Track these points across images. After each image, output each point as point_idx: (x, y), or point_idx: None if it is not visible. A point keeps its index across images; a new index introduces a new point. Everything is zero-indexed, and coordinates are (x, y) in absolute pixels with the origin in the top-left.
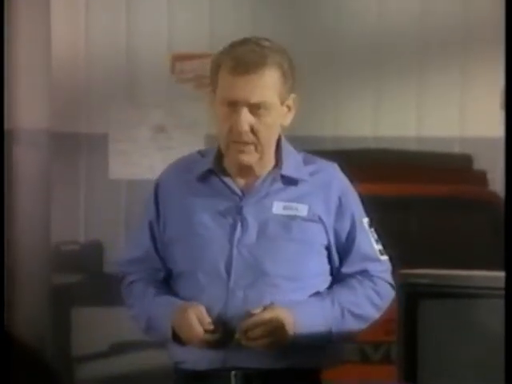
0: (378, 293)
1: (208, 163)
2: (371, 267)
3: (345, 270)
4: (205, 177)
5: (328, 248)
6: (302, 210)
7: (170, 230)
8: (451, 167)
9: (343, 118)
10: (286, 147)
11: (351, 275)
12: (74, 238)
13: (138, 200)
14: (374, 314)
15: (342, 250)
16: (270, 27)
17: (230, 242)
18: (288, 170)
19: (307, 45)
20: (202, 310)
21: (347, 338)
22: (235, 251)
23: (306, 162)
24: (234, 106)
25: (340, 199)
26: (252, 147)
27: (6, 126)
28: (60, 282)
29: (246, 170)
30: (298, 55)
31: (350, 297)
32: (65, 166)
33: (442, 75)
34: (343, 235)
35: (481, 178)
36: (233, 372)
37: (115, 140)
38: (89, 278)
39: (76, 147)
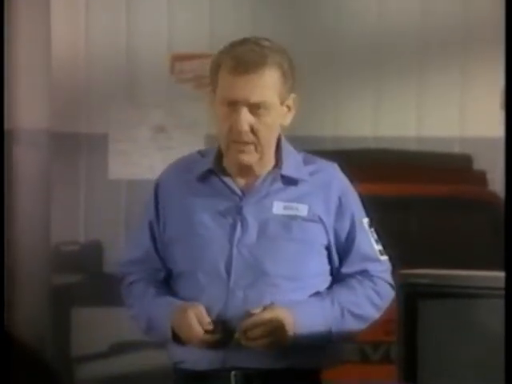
0: (377, 293)
1: (208, 163)
2: (371, 267)
3: (345, 270)
4: (205, 177)
5: (328, 248)
6: (302, 209)
7: (170, 230)
8: (451, 167)
9: (343, 118)
10: (286, 147)
11: (351, 275)
12: (73, 238)
13: (137, 200)
14: (374, 314)
15: (341, 250)
16: (269, 27)
17: (230, 241)
18: (288, 169)
19: (307, 45)
20: (202, 310)
21: (347, 337)
22: (235, 251)
23: (306, 162)
24: (233, 105)
25: (340, 199)
26: (252, 147)
27: (5, 126)
28: (60, 282)
29: (246, 170)
30: (298, 55)
31: (350, 297)
32: (65, 165)
33: (442, 75)
34: (343, 235)
35: (481, 178)
36: (233, 372)
37: (115, 140)
38: (89, 278)
39: (76, 147)
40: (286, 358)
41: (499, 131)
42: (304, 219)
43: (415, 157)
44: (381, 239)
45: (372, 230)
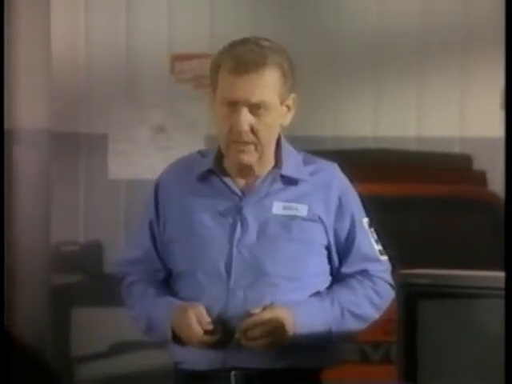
0: (377, 293)
1: (208, 163)
2: (371, 267)
3: (345, 269)
4: (205, 177)
5: (328, 248)
6: (302, 210)
7: (170, 230)
8: (451, 167)
9: (343, 118)
10: (286, 147)
11: (351, 275)
12: (73, 238)
13: (137, 200)
14: (374, 314)
15: (341, 250)
16: (269, 27)
17: (230, 241)
18: (288, 170)
19: (307, 45)
20: (202, 310)
21: (347, 337)
22: (235, 251)
23: (305, 162)
24: (233, 105)
25: (340, 199)
26: (252, 147)
27: (5, 126)
28: (60, 282)
29: (246, 170)
30: (298, 55)
31: (350, 297)
32: (65, 165)
33: (442, 75)
34: (343, 235)
35: (480, 178)
36: (233, 372)
37: (115, 140)
38: (88, 278)
39: (76, 147)
40: (286, 357)
41: (499, 131)
42: (304, 219)
43: (415, 157)
44: (381, 239)
45: (372, 229)
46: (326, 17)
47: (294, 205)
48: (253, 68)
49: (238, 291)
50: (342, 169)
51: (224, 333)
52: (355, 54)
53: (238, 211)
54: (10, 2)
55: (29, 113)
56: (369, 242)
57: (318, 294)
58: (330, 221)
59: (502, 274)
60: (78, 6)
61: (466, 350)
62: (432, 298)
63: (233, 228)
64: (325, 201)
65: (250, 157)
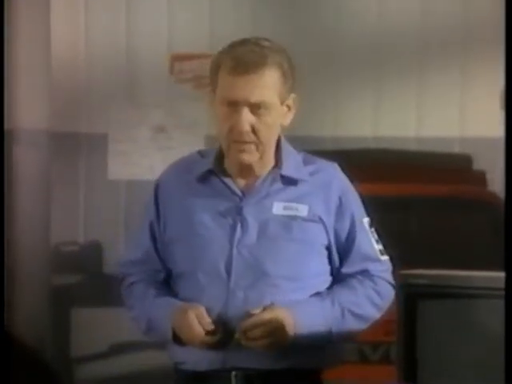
0: (378, 293)
1: (208, 164)
2: (372, 267)
3: (345, 270)
4: (205, 177)
5: (328, 248)
6: (302, 210)
7: (171, 231)
8: (451, 167)
9: (343, 118)
10: (286, 147)
11: (351, 275)
12: (73, 238)
13: (137, 200)
14: (375, 314)
15: (342, 250)
16: (269, 27)
17: (230, 242)
18: (288, 170)
19: (307, 45)
20: (202, 310)
21: (347, 338)
22: (235, 251)
23: (305, 162)
24: (234, 106)
25: (340, 199)
26: (253, 146)
27: (6, 126)
28: (59, 282)
29: (246, 170)
30: (298, 55)
31: (351, 297)
32: (64, 166)
33: (442, 75)
34: (343, 235)
35: (480, 178)
36: (233, 372)
37: (115, 140)
38: (88, 279)
39: (76, 147)
40: (287, 358)
41: (499, 131)
42: (304, 219)
43: (415, 157)
44: (380, 239)
45: (372, 229)
46: (326, 17)
47: (294, 205)
48: (253, 68)
49: (238, 291)
50: (342, 169)
51: (224, 333)
52: (355, 53)
53: (239, 211)
54: (10, 2)
55: (29, 113)
56: (369, 242)
57: (318, 294)
58: (330, 221)
59: (501, 275)
60: (78, 6)
61: (466, 350)
62: (432, 298)
63: (233, 228)
64: (325, 201)
65: (250, 156)
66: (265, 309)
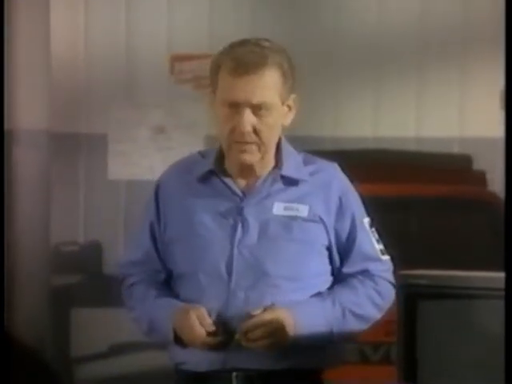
0: (379, 292)
1: (209, 164)
2: (372, 267)
3: (346, 270)
4: (205, 178)
5: (329, 248)
6: (303, 210)
7: (171, 231)
8: (451, 167)
9: (343, 118)
10: (286, 148)
11: (352, 275)
12: (73, 238)
13: (137, 201)
14: (376, 314)
15: (342, 250)
16: (269, 27)
17: (231, 242)
18: (288, 170)
19: (307, 45)
20: (204, 311)
21: (348, 338)
22: (236, 252)
23: (306, 163)
24: (235, 107)
25: (340, 199)
26: (254, 147)
27: (5, 126)
28: (59, 282)
29: (247, 171)
30: (298, 55)
31: (351, 297)
32: (64, 166)
33: (442, 75)
34: (344, 235)
35: (480, 178)
36: (234, 373)
37: (115, 140)
38: (88, 279)
39: (75, 148)
40: (287, 358)
41: (499, 131)
42: (304, 219)
43: (415, 157)
44: (381, 240)
45: (373, 229)
46: (326, 17)
47: (294, 205)
48: (253, 69)
49: (238, 292)
50: (342, 169)
51: (225, 334)
52: (355, 54)
53: (239, 212)
54: (10, 2)
55: (29, 113)
56: (370, 242)
57: (319, 294)
58: (330, 221)
59: (501, 275)
60: (77, 6)
61: (466, 350)
62: (432, 298)
63: (233, 229)
64: (325, 201)
65: (252, 157)
66: (265, 309)
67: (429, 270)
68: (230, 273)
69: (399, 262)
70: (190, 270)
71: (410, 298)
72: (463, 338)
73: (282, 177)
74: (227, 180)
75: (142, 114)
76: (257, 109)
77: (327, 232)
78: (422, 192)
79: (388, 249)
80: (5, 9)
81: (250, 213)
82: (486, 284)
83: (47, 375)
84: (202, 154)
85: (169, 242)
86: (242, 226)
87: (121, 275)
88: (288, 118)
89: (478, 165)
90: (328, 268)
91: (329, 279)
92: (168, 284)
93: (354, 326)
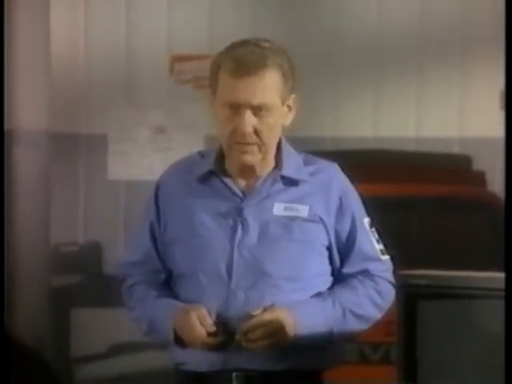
0: (379, 292)
1: (209, 164)
2: (372, 267)
3: (346, 270)
4: (205, 178)
5: (329, 248)
6: (303, 210)
7: (171, 231)
8: (450, 168)
9: (343, 118)
10: (287, 148)
11: (352, 275)
12: (73, 238)
13: (137, 201)
14: (376, 314)
15: (342, 250)
16: (269, 27)
17: (231, 243)
18: (288, 170)
19: (307, 45)
20: (204, 312)
21: (349, 338)
22: (236, 252)
23: (306, 163)
24: (236, 108)
25: (340, 199)
26: (255, 147)
27: (5, 127)
28: (59, 282)
29: (247, 171)
30: (298, 55)
31: (352, 297)
32: (64, 166)
33: (442, 75)
34: (344, 235)
35: (480, 178)
36: (234, 373)
37: (114, 140)
38: (88, 279)
39: (75, 148)
40: (287, 359)
41: (499, 131)
42: (304, 220)
43: (415, 157)
44: (381, 240)
45: (373, 229)
46: (326, 17)
47: (294, 205)
48: (253, 70)
49: (238, 292)
50: (342, 169)
51: (225, 334)
52: (355, 54)
53: (239, 212)
54: (10, 2)
55: (29, 113)
56: (370, 242)
57: (319, 294)
58: (330, 221)
59: (501, 275)
60: (77, 6)
61: (466, 350)
62: (432, 298)
63: (233, 229)
64: (325, 201)
65: (253, 157)
66: (265, 310)
67: (429, 270)
68: (230, 273)
69: (399, 262)
70: (190, 271)
71: (410, 297)
72: (463, 338)
73: (282, 177)
74: (227, 180)
75: (141, 114)
76: (257, 110)
77: (327, 232)
78: (421, 192)
79: (388, 249)
80: (5, 9)
81: (250, 213)
82: (485, 284)
83: (47, 375)
84: (202, 155)
85: (169, 242)
86: (242, 227)
87: (121, 275)
88: (288, 118)
89: (478, 165)
90: (328, 268)
91: (329, 279)
92: (168, 284)
93: (354, 326)
